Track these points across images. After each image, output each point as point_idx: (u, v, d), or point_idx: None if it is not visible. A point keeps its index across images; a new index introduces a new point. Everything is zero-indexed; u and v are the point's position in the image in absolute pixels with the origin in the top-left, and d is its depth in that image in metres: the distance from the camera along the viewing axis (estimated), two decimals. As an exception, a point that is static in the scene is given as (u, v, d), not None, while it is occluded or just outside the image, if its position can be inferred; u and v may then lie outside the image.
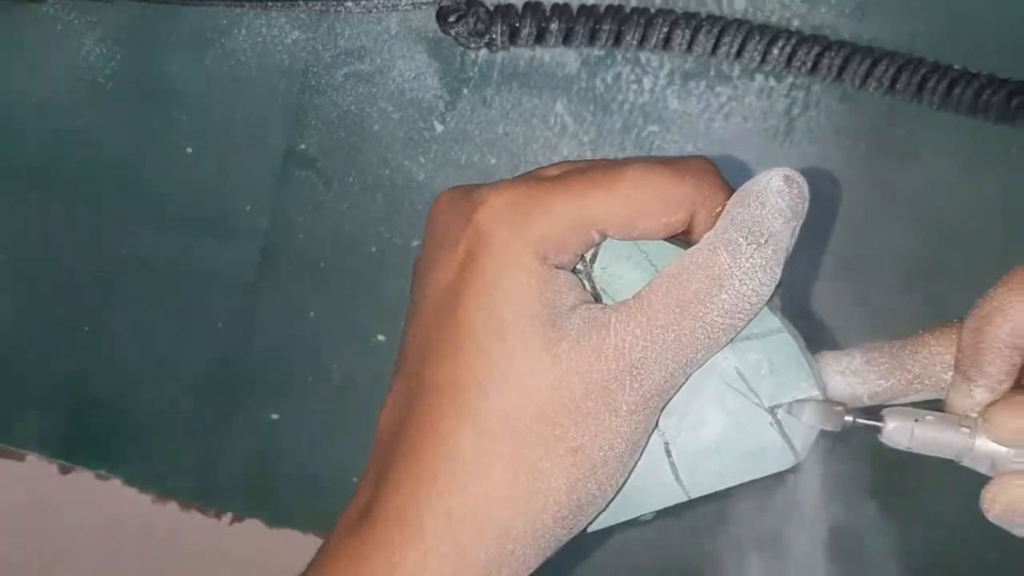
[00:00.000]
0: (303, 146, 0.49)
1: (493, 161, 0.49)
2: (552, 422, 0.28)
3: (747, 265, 0.28)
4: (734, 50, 0.45)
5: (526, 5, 0.46)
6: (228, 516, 0.55)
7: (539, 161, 0.48)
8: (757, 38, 0.45)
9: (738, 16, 0.46)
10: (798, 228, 0.29)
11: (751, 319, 0.29)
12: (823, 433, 0.31)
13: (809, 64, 0.45)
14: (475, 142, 0.49)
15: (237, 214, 0.51)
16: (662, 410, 0.30)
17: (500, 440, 0.28)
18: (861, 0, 0.45)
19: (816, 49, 0.45)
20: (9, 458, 0.55)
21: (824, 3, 0.45)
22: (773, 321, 0.30)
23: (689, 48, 0.45)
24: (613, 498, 0.30)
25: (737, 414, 0.30)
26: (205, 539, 0.55)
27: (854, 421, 0.30)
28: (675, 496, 0.31)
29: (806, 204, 0.29)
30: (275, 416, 0.53)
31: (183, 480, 0.55)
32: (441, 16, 0.46)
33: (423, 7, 0.46)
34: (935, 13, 0.45)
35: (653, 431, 0.30)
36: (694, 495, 0.31)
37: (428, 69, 0.48)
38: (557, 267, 0.29)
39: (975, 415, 0.30)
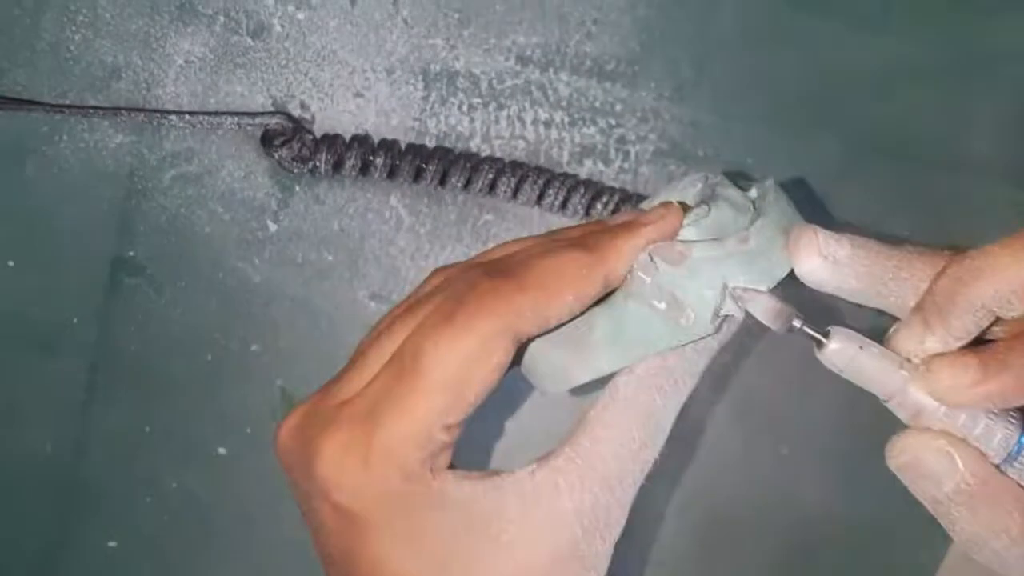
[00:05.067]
0: (131, 252, 0.47)
1: (330, 258, 0.48)
2: None
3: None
4: (558, 201, 0.46)
5: (353, 137, 0.46)
6: (61, 657, 0.50)
7: (377, 256, 0.47)
8: (582, 191, 0.45)
9: (563, 100, 0.46)
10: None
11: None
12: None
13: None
14: (311, 240, 0.48)
15: (63, 328, 0.48)
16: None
17: None
18: (679, 83, 0.46)
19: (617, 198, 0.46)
20: None
21: (644, 87, 0.46)
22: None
23: (515, 196, 0.46)
24: None
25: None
26: None
27: (801, 328, 0.29)
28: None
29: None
30: (112, 544, 0.50)
31: (14, 620, 0.50)
32: (266, 139, 0.46)
33: (248, 128, 0.46)
34: (755, 92, 0.46)
35: None
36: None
37: (258, 168, 0.47)
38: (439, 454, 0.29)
39: (917, 361, 0.29)
